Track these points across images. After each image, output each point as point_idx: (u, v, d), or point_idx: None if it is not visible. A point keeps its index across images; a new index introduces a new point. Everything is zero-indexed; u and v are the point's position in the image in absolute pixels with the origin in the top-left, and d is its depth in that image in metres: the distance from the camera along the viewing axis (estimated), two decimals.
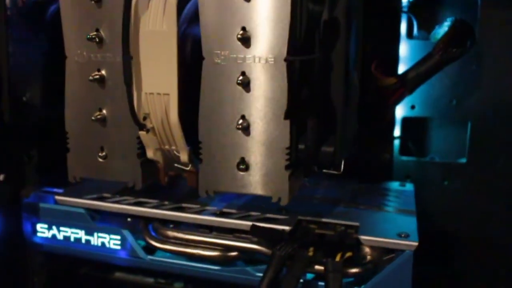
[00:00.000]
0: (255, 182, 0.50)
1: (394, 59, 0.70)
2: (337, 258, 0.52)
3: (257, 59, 0.47)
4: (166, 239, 0.58)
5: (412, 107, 0.72)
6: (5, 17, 0.55)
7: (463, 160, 0.71)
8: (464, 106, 0.70)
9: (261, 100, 0.48)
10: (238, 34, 0.47)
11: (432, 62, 0.62)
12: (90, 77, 0.52)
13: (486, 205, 0.71)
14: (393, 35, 0.69)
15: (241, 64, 0.48)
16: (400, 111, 0.72)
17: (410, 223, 0.56)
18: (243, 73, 0.48)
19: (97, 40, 0.51)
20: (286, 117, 0.46)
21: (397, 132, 0.73)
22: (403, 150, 0.73)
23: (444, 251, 0.74)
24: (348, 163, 0.70)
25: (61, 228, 0.61)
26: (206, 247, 0.56)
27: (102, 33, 0.52)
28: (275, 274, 0.51)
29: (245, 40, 0.47)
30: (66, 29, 0.53)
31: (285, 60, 0.45)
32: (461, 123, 0.72)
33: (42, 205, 0.61)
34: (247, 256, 0.56)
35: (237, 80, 0.48)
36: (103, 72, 0.52)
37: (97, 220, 0.60)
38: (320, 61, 0.46)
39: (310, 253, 0.53)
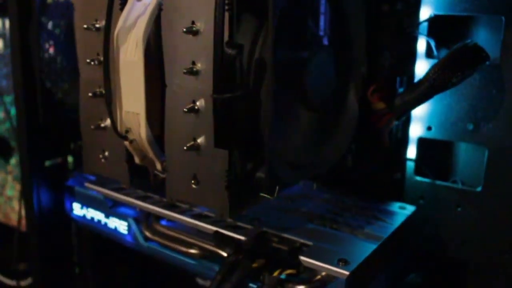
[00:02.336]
0: (204, 196, 0.57)
1: (411, 78, 0.69)
2: (275, 273, 0.57)
3: (201, 92, 0.53)
4: (156, 232, 0.67)
5: (429, 128, 0.70)
6: (38, 24, 0.67)
7: (479, 189, 0.68)
8: (481, 132, 0.66)
9: (208, 127, 0.54)
10: (188, 68, 0.53)
11: (421, 90, 0.61)
12: (90, 94, 0.63)
13: (499, 236, 0.67)
14: (408, 55, 0.68)
15: (191, 93, 0.54)
16: (416, 131, 0.71)
17: (363, 251, 0.58)
18: (193, 101, 0.55)
19: (96, 63, 0.62)
20: (215, 146, 0.52)
21: (412, 151, 0.72)
22: (418, 170, 0.72)
23: (454, 277, 0.72)
24: (359, 181, 0.73)
25: (89, 209, 0.74)
26: (184, 243, 0.65)
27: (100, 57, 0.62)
28: (221, 278, 0.58)
29: (193, 73, 0.53)
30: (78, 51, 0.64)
31: (211, 96, 0.50)
32: (478, 149, 0.68)
33: (77, 188, 0.75)
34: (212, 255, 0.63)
35: (189, 107, 0.54)
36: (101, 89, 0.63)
37: (115, 206, 0.72)
38: (245, 97, 0.50)
39: (256, 264, 0.58)
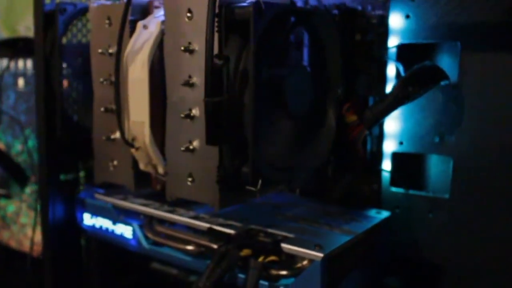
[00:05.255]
0: (199, 192, 0.66)
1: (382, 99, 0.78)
2: (260, 259, 0.64)
3: (196, 101, 0.63)
4: (156, 233, 0.75)
5: (401, 143, 0.79)
6: (60, 50, 0.79)
7: (446, 195, 0.76)
8: (446, 143, 0.75)
9: (202, 131, 0.63)
10: (185, 81, 0.64)
11: (387, 103, 0.70)
12: (102, 109, 0.73)
13: (467, 238, 0.74)
14: (380, 78, 0.78)
15: (188, 103, 0.64)
16: (390, 146, 0.80)
17: (338, 240, 0.65)
18: (189, 109, 0.64)
19: (108, 82, 0.73)
20: (207, 143, 0.61)
21: (388, 164, 0.80)
22: (393, 181, 0.80)
23: (427, 279, 0.78)
24: (340, 192, 0.81)
25: (98, 218, 0.83)
26: (182, 241, 0.73)
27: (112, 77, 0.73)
28: (214, 266, 0.65)
29: (190, 85, 0.64)
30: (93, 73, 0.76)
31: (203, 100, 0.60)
32: (444, 160, 0.77)
33: (87, 200, 0.84)
34: (207, 251, 0.71)
35: (185, 114, 0.64)
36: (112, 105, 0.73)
37: (121, 214, 0.81)
38: (231, 101, 0.60)
39: (243, 254, 0.66)
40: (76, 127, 0.82)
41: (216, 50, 0.59)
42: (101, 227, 0.82)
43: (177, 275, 0.88)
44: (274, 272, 0.64)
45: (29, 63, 1.12)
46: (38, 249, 1.16)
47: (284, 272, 0.64)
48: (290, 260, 0.64)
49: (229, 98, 0.59)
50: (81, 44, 0.85)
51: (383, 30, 0.77)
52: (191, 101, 0.64)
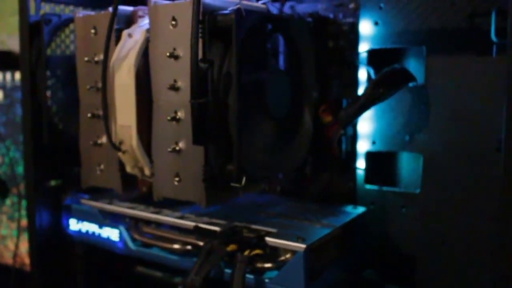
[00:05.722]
0: (186, 191, 0.69)
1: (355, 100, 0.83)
2: (246, 253, 0.68)
3: (181, 104, 0.67)
4: (143, 234, 0.78)
5: (374, 142, 0.83)
6: (46, 61, 0.81)
7: (417, 190, 0.80)
8: (416, 141, 0.80)
9: (188, 131, 0.67)
10: (171, 85, 0.67)
11: (359, 104, 0.75)
12: (89, 115, 0.76)
13: (437, 230, 0.79)
14: (352, 81, 0.83)
15: (173, 105, 0.68)
16: (364, 146, 0.84)
17: (318, 233, 0.69)
18: (175, 112, 0.68)
19: (95, 89, 0.76)
20: (193, 143, 0.65)
21: (362, 163, 0.85)
22: (368, 179, 0.85)
23: (403, 271, 0.83)
24: (318, 190, 0.85)
25: (84, 223, 0.85)
26: (168, 240, 0.76)
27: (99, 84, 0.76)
28: (201, 262, 0.68)
29: (175, 89, 0.67)
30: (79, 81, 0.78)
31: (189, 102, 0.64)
32: (415, 157, 0.82)
33: (73, 205, 0.86)
34: (193, 249, 0.74)
35: (172, 116, 0.68)
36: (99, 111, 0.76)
37: (107, 218, 0.83)
38: (215, 102, 0.63)
39: (229, 249, 0.69)
40: (61, 134, 0.84)
41: (200, 55, 0.63)
42: (87, 231, 0.84)
43: (162, 278, 0.90)
44: (259, 265, 0.67)
45: (9, 76, 1.13)
46: (20, 260, 1.16)
47: (269, 265, 0.67)
48: (274, 254, 0.68)
49: (214, 100, 0.63)
50: (64, 55, 0.88)
51: (354, 37, 0.82)
52: (176, 104, 0.68)
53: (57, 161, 0.87)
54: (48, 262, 0.90)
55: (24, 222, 1.14)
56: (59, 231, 0.87)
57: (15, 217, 1.15)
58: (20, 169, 1.13)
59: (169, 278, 0.90)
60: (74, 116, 0.82)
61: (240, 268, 0.66)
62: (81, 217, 0.85)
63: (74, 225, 0.85)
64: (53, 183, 0.87)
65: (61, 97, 0.85)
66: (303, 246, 0.65)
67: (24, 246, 1.16)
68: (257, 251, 0.68)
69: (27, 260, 1.16)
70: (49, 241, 0.88)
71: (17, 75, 1.14)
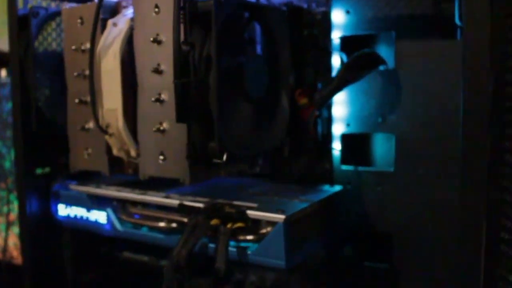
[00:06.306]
0: (170, 168, 0.73)
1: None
2: (228, 226, 0.72)
3: (164, 86, 0.71)
4: (130, 214, 0.82)
5: (348, 125, 0.88)
6: (34, 53, 0.85)
7: (391, 169, 0.85)
8: (388, 122, 0.84)
9: (171, 111, 0.70)
10: (154, 68, 0.71)
11: (333, 86, 0.79)
12: (76, 100, 0.80)
13: (411, 207, 0.83)
14: (326, 67, 0.87)
15: (157, 88, 0.72)
16: (339, 128, 0.89)
17: (296, 206, 0.73)
18: (159, 94, 0.72)
19: (82, 76, 0.79)
20: (177, 121, 0.68)
21: (338, 145, 0.89)
22: (344, 160, 0.89)
23: (379, 247, 0.87)
24: (296, 171, 0.89)
25: (72, 208, 0.88)
26: (154, 219, 0.79)
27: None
28: (187, 236, 0.72)
29: (158, 72, 0.71)
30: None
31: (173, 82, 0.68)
32: (388, 137, 0.86)
33: (61, 191, 0.89)
34: (178, 226, 0.77)
35: (155, 98, 0.71)
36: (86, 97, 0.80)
37: (95, 202, 0.86)
38: (198, 83, 0.68)
39: (213, 223, 0.73)
40: (49, 123, 0.87)
41: (182, 39, 0.67)
42: (75, 216, 0.87)
43: (149, 261, 0.93)
44: (241, 237, 0.71)
45: None
46: (8, 254, 1.19)
47: (251, 237, 0.71)
48: (256, 227, 0.72)
49: (195, 80, 0.67)
50: (50, 47, 0.91)
51: (327, 25, 0.86)
52: (160, 87, 0.72)
53: (46, 149, 0.90)
54: (39, 250, 0.93)
55: (12, 216, 1.17)
56: (49, 218, 0.90)
57: (3, 212, 1.17)
58: (7, 164, 1.16)
59: (155, 262, 0.93)
60: (61, 104, 0.85)
61: (223, 240, 0.70)
62: (69, 202, 0.88)
63: (63, 210, 0.89)
64: (42, 170, 0.90)
65: (48, 86, 0.89)
66: (283, 217, 0.69)
67: (12, 240, 1.19)
68: (239, 224, 0.72)
69: (15, 253, 1.18)
70: (39, 228, 0.91)
71: (3, 72, 1.18)
